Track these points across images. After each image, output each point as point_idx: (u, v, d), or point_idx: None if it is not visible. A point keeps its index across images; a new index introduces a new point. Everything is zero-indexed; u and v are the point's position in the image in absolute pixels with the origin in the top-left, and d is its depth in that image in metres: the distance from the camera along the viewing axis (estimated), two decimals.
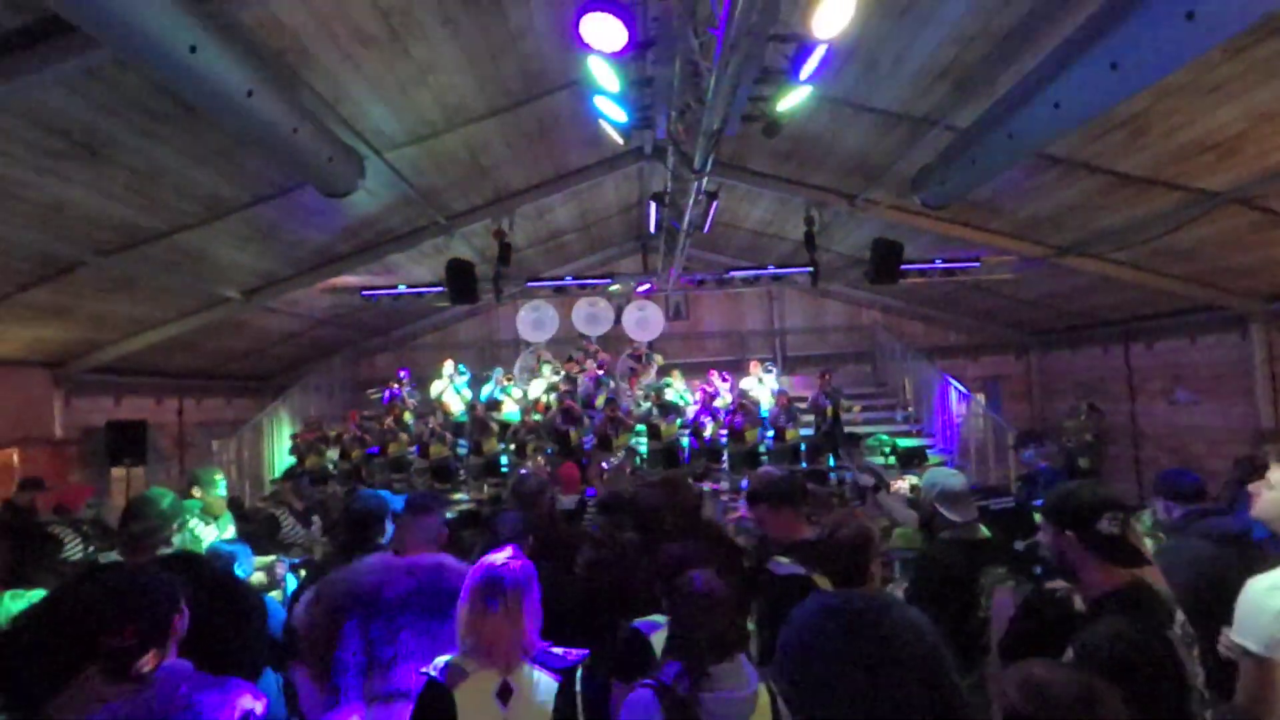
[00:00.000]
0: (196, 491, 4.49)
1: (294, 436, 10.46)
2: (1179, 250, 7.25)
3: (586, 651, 2.03)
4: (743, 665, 1.96)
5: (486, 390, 11.51)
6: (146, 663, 1.74)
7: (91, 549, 4.76)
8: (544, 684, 1.93)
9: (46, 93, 4.21)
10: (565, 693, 1.92)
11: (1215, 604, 2.38)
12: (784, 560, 2.75)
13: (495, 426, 10.10)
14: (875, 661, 2.17)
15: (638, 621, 2.34)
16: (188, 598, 2.31)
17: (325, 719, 2.18)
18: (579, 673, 1.96)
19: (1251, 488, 2.35)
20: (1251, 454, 5.88)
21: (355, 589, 2.31)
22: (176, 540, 2.77)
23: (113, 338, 8.26)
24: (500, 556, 2.08)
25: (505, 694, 1.90)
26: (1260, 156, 5.36)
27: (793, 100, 4.67)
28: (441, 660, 1.98)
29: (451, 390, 11.56)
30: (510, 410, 11.02)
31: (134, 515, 2.59)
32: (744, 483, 8.19)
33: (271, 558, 4.35)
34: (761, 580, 2.80)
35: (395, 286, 9.56)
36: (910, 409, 12.18)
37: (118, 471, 8.88)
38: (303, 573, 4.43)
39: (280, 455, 11.26)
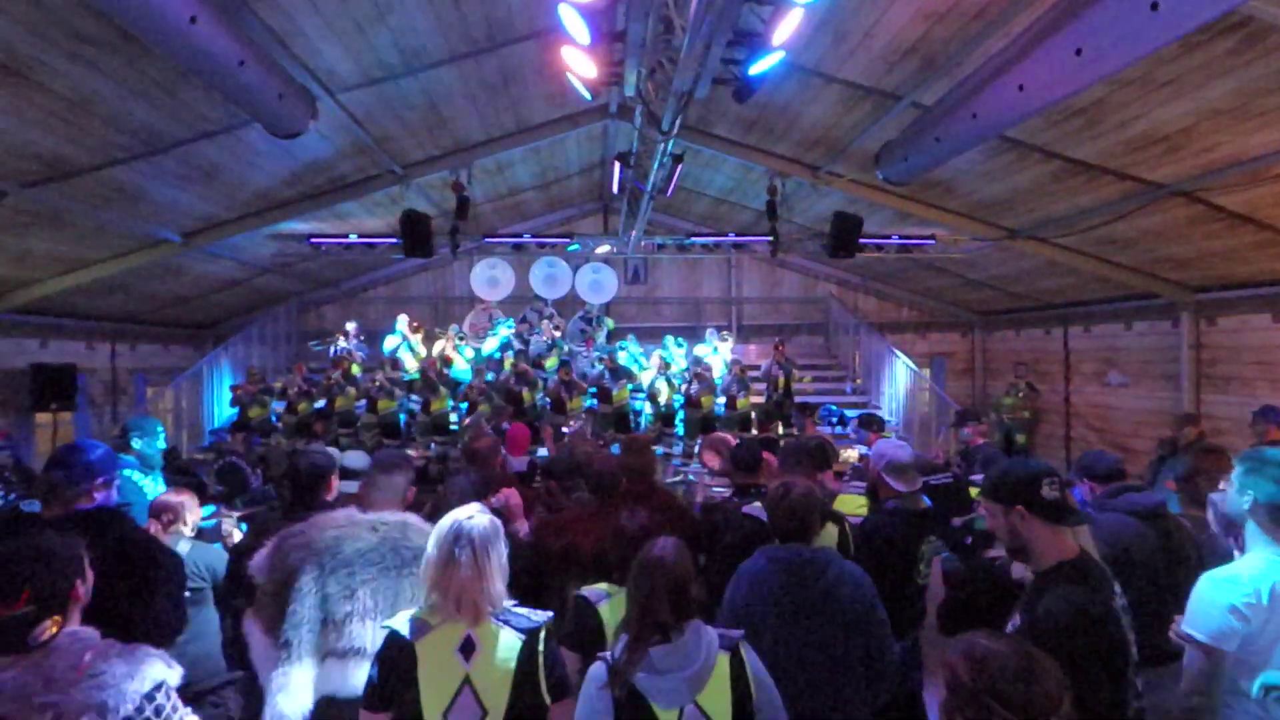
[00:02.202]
0: (135, 443, 4.31)
1: (234, 388, 10.10)
2: (1122, 239, 7.52)
3: (552, 614, 2.02)
4: (693, 642, 1.93)
5: (438, 347, 11.33)
6: (45, 631, 1.64)
7: (12, 495, 4.55)
8: (507, 641, 1.91)
9: None
10: (528, 652, 1.90)
11: (1134, 574, 2.53)
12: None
13: (445, 388, 9.94)
14: (815, 609, 2.30)
15: (586, 590, 2.37)
16: (93, 558, 2.20)
17: (273, 674, 2.12)
18: (543, 634, 1.94)
19: (1221, 486, 2.50)
20: (1174, 435, 6.24)
21: (314, 542, 2.24)
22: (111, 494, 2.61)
23: (38, 276, 7.77)
24: (468, 510, 2.03)
25: (468, 649, 1.88)
26: (1204, 152, 5.55)
27: (766, 64, 4.61)
28: (405, 614, 1.96)
29: (405, 348, 11.33)
30: (461, 369, 10.88)
31: (56, 464, 2.44)
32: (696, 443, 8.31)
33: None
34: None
35: (346, 236, 9.24)
36: (859, 381, 12.48)
37: (43, 417, 8.47)
38: (243, 526, 4.33)
39: (221, 406, 10.89)
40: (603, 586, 2.36)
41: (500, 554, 2.00)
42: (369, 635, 2.16)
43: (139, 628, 2.27)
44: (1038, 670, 1.31)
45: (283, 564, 2.23)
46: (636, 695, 1.86)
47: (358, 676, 2.11)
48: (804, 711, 2.20)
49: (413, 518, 2.44)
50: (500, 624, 1.93)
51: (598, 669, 1.94)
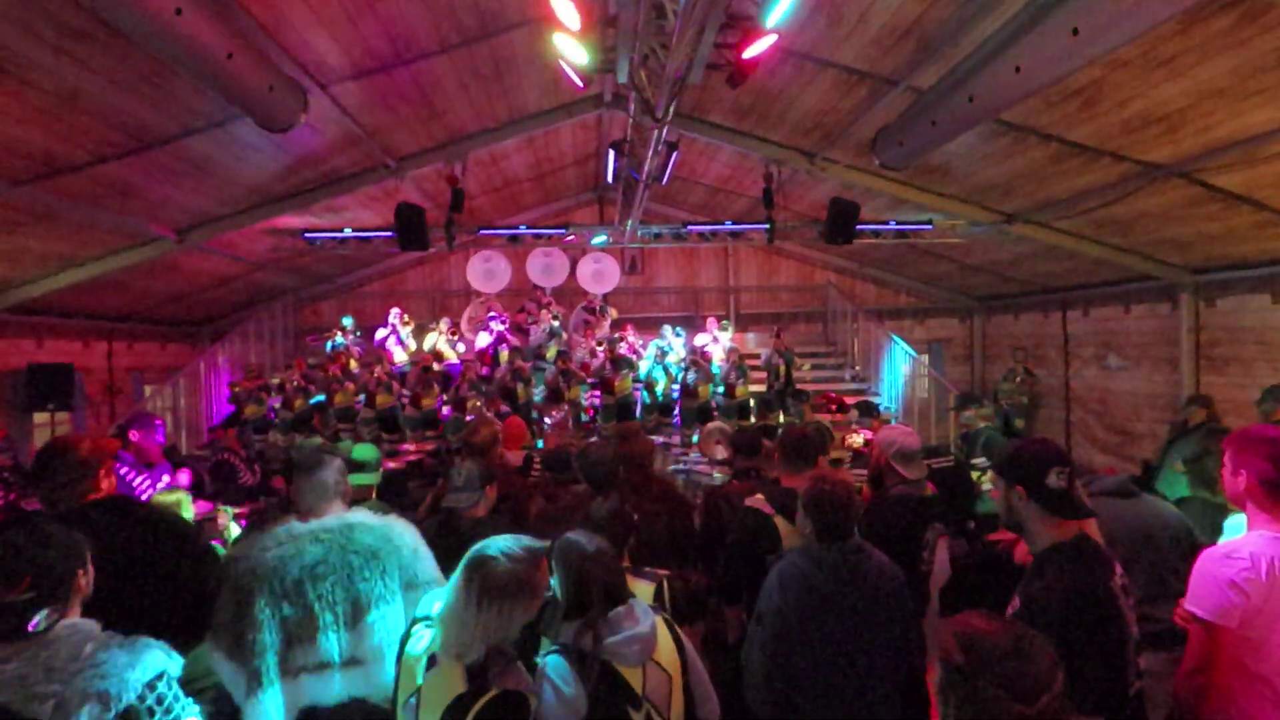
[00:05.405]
0: (135, 436, 4.30)
1: (232, 385, 10.07)
2: (1119, 221, 7.48)
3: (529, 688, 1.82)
4: (637, 605, 1.96)
5: (430, 341, 11.33)
6: (44, 620, 1.64)
7: (11, 496, 4.54)
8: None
9: None
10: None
11: (1118, 552, 2.54)
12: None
13: (436, 383, 9.89)
14: (867, 606, 2.34)
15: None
16: (125, 543, 2.18)
17: (245, 702, 2.09)
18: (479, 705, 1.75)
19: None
20: (1183, 417, 6.24)
21: (259, 567, 2.19)
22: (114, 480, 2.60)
23: (32, 275, 7.72)
24: (503, 543, 1.89)
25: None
26: (1203, 131, 5.51)
27: (759, 47, 4.56)
28: (427, 641, 1.88)
29: (394, 340, 11.32)
30: (451, 361, 10.88)
31: (45, 466, 2.40)
32: (695, 437, 8.31)
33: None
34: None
35: (340, 230, 9.18)
36: (858, 368, 12.47)
37: (40, 417, 8.44)
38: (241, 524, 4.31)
39: (218, 403, 10.86)
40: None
41: (523, 601, 1.83)
42: (336, 646, 2.15)
43: (184, 605, 2.29)
44: (1030, 650, 1.30)
45: (233, 593, 2.18)
46: (604, 667, 1.83)
47: (336, 685, 2.12)
48: (857, 703, 2.25)
49: (357, 516, 2.36)
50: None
51: (555, 662, 1.84)
